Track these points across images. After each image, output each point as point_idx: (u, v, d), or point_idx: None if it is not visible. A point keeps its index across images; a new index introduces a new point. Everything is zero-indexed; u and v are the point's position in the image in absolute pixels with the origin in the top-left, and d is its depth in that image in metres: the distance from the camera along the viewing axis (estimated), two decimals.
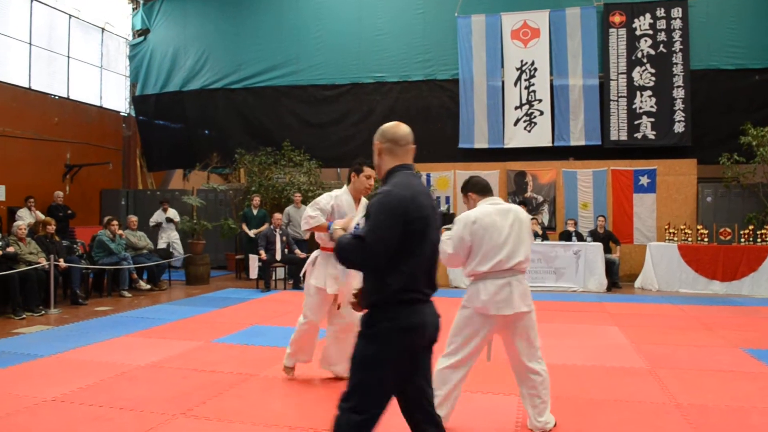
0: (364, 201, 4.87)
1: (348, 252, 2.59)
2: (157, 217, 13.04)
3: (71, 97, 14.60)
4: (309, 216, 4.78)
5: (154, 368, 5.57)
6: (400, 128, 2.86)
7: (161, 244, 12.96)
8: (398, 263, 2.57)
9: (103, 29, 15.78)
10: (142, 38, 16.30)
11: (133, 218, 11.51)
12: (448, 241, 3.92)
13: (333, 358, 5.09)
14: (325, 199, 4.86)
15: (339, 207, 4.82)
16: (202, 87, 15.62)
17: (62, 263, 9.10)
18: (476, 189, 4.12)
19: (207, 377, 5.28)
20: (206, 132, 15.90)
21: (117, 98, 16.41)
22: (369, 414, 2.67)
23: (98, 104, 15.58)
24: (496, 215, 3.90)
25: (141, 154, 16.59)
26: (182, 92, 15.82)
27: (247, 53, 15.36)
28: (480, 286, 3.88)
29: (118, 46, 16.45)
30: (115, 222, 10.54)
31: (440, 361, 3.92)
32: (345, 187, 4.99)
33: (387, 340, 2.60)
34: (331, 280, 4.85)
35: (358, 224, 3.96)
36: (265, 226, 12.12)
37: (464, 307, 3.99)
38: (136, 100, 16.32)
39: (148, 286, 10.90)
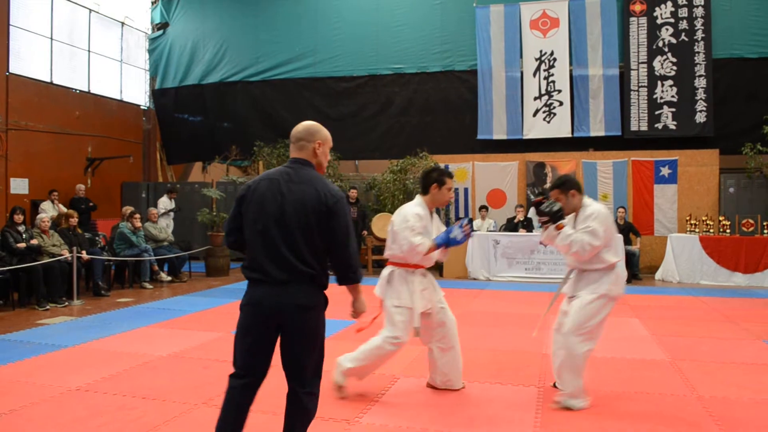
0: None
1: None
2: (166, 204, 13.16)
3: (92, 91, 14.76)
4: (416, 245, 4.36)
5: (176, 358, 5.63)
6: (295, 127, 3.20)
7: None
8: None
9: (122, 23, 15.91)
10: (161, 32, 16.41)
11: (154, 210, 11.63)
12: (594, 233, 4.22)
13: (447, 372, 4.70)
14: (418, 222, 4.45)
15: (426, 223, 4.54)
16: (221, 80, 15.70)
17: (85, 255, 9.21)
18: (579, 188, 4.45)
19: (228, 368, 5.25)
20: (225, 125, 15.99)
21: (137, 92, 16.55)
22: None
23: (119, 98, 15.73)
24: None
25: (161, 147, 16.74)
26: (201, 85, 15.91)
27: (265, 46, 15.40)
28: (616, 275, 4.36)
29: (137, 40, 16.57)
30: (137, 215, 10.65)
31: (582, 346, 4.29)
32: (419, 199, 4.63)
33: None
34: (418, 296, 4.51)
35: (463, 225, 4.33)
36: None
37: (603, 296, 4.32)
38: (156, 94, 16.45)
39: (169, 278, 11.01)
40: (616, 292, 4.37)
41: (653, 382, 4.93)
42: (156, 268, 10.88)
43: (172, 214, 13.11)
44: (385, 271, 4.62)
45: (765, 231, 10.82)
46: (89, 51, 14.73)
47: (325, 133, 3.22)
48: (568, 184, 4.43)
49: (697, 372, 5.19)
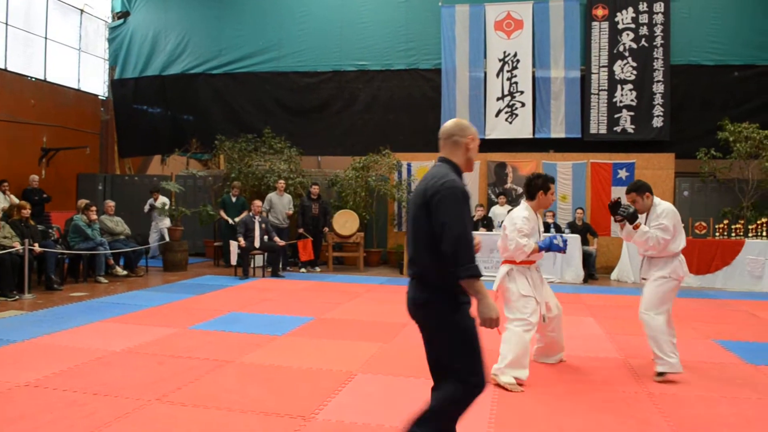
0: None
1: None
2: (149, 203, 13.16)
3: (48, 80, 14.37)
4: (522, 245, 4.93)
5: (130, 354, 5.53)
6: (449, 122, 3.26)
7: (153, 234, 12.98)
8: None
9: (82, 11, 15.53)
10: (121, 21, 16.06)
11: (110, 203, 11.39)
12: (665, 229, 5.08)
13: (555, 347, 5.48)
14: (526, 224, 5.02)
15: (533, 226, 5.11)
16: (183, 71, 15.45)
17: (37, 248, 8.99)
18: (651, 190, 5.28)
19: (183, 363, 5.25)
20: (186, 117, 15.73)
21: (95, 81, 16.18)
22: None
23: (76, 87, 15.36)
24: None
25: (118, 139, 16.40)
26: (162, 76, 15.63)
27: (228, 38, 15.21)
28: (679, 261, 5.25)
29: (97, 28, 16.20)
30: (93, 207, 10.42)
31: (657, 318, 5.05)
32: (524, 203, 5.22)
33: None
34: (540, 287, 5.15)
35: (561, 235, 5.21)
36: (245, 214, 12.07)
37: (670, 278, 5.14)
38: (115, 84, 16.10)
39: (125, 272, 10.80)
40: (678, 274, 5.18)
41: (606, 379, 5.03)
42: (111, 262, 10.66)
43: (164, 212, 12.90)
44: (504, 269, 5.13)
45: (717, 234, 11.13)
46: (46, 38, 14.34)
47: (474, 129, 3.24)
48: (643, 188, 5.21)
49: (648, 370, 5.30)
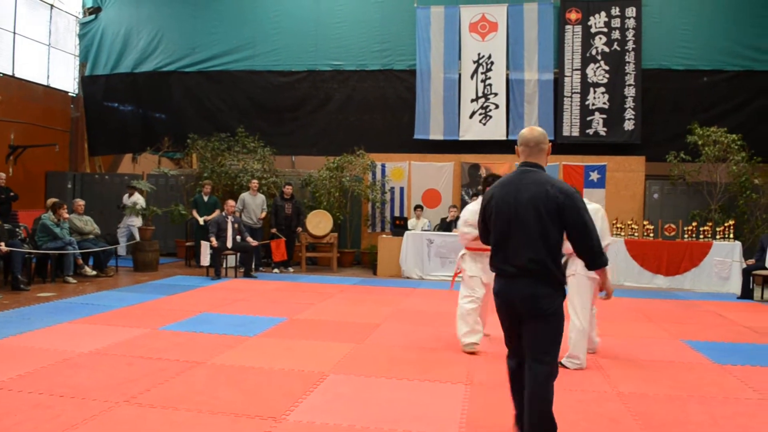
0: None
1: None
2: (124, 200, 12.96)
3: (17, 75, 14.07)
4: (464, 233, 5.91)
5: (98, 355, 5.44)
6: (536, 131, 3.59)
7: (121, 230, 12.80)
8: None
9: (52, 6, 15.24)
10: (93, 16, 15.80)
11: (80, 202, 11.20)
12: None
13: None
14: (472, 216, 5.55)
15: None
16: (155, 69, 15.25)
17: (3, 247, 8.81)
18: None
19: (152, 364, 5.18)
20: (158, 115, 15.53)
21: (65, 78, 15.89)
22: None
23: (45, 83, 15.07)
24: None
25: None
26: (134, 74, 15.41)
27: (202, 36, 15.05)
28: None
29: (67, 23, 15.91)
30: (64, 206, 10.24)
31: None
32: (479, 199, 5.43)
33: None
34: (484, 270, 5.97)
35: None
36: (216, 213, 11.97)
37: (589, 278, 5.56)
38: (86, 81, 15.83)
39: (94, 273, 10.63)
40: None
41: (576, 379, 5.08)
42: (80, 261, 10.48)
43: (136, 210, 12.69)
44: (460, 253, 6.20)
45: (686, 236, 11.31)
46: (14, 33, 14.04)
47: None
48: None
49: (618, 369, 5.38)
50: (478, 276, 6.02)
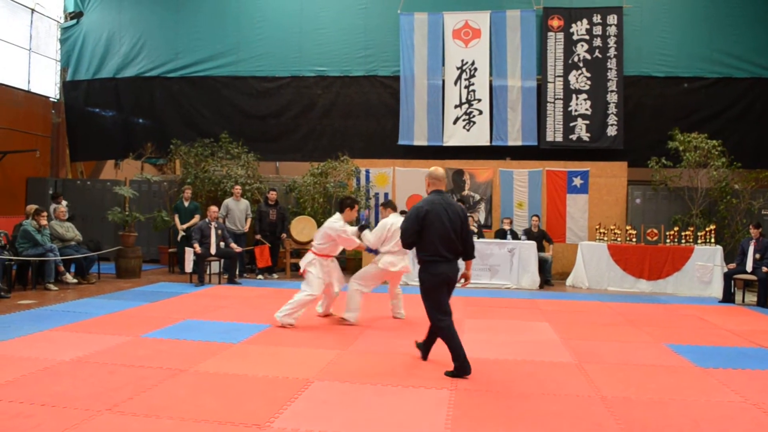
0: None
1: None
2: (54, 206, 12.37)
3: None
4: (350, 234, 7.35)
5: (79, 363, 5.38)
6: (440, 170, 5.67)
7: None
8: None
9: (33, 10, 15.10)
10: (74, 21, 15.67)
11: (62, 208, 11.08)
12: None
13: (331, 304, 8.03)
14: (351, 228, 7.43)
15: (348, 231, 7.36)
16: (138, 74, 15.15)
17: None
18: (394, 207, 8.00)
19: (135, 372, 5.13)
20: (141, 121, 15.42)
21: (46, 83, 15.74)
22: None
23: (26, 88, 14.91)
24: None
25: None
26: (116, 79, 15.30)
27: (185, 41, 14.99)
28: (392, 259, 7.49)
29: (48, 28, 15.77)
30: (44, 212, 10.12)
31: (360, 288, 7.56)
32: (338, 215, 7.44)
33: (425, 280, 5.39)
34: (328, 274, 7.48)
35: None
36: (195, 219, 11.89)
37: (376, 264, 7.57)
38: (67, 86, 15.69)
39: (75, 280, 10.51)
40: (385, 263, 7.46)
41: (560, 384, 5.09)
42: (62, 268, 10.35)
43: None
44: (309, 257, 7.41)
45: (668, 240, 11.41)
46: None
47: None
48: (387, 205, 7.92)
49: (601, 374, 5.41)
50: (322, 278, 7.30)
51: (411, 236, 5.30)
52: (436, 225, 5.21)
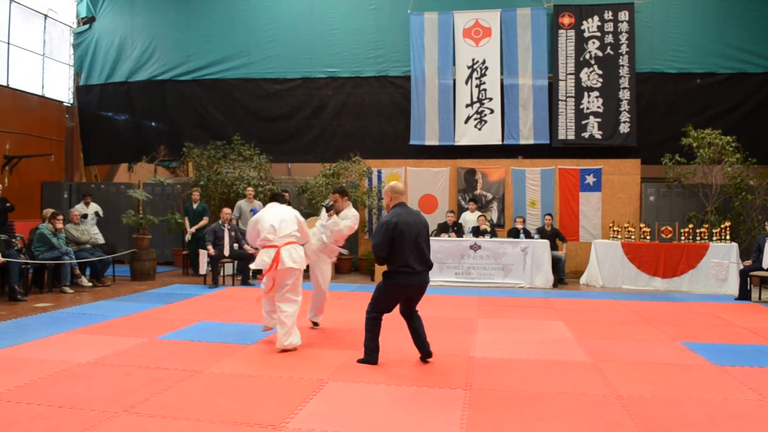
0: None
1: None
2: (80, 209, 12.56)
3: (11, 86, 14.06)
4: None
5: (96, 365, 5.43)
6: (400, 184, 5.80)
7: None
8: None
9: (45, 16, 15.25)
10: (87, 26, 15.81)
11: (76, 212, 11.18)
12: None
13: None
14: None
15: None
16: (150, 78, 15.26)
17: (0, 258, 8.76)
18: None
19: (151, 374, 5.17)
20: (153, 124, 15.53)
21: (60, 88, 15.88)
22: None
23: (40, 93, 15.06)
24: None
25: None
26: (129, 83, 15.43)
27: (196, 44, 15.07)
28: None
29: (61, 33, 15.92)
30: (60, 216, 10.21)
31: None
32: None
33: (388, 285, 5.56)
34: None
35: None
36: (204, 221, 11.94)
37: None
38: (80, 90, 15.83)
39: (91, 283, 10.60)
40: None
41: (575, 383, 5.07)
42: (77, 271, 10.45)
43: (94, 220, 12.57)
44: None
45: (682, 238, 11.33)
46: (8, 43, 14.04)
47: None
48: (342, 192, 6.89)
49: (617, 372, 5.38)
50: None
51: (383, 249, 5.37)
52: (406, 236, 5.34)
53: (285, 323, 6.07)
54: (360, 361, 5.59)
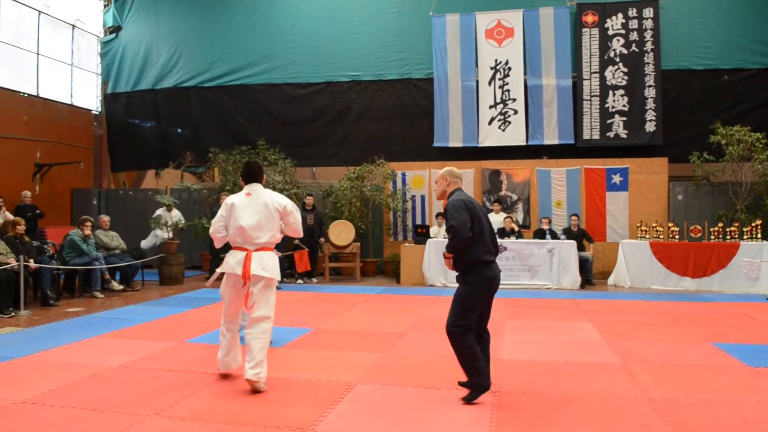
0: None
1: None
2: (162, 214, 12.65)
3: (41, 95, 14.34)
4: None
5: (127, 369, 5.50)
6: (456, 169, 5.14)
7: (148, 240, 12.68)
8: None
9: (73, 26, 15.53)
10: (113, 35, 16.09)
11: (105, 218, 11.35)
12: None
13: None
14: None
15: None
16: (176, 85, 15.47)
17: (32, 264, 8.94)
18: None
19: (181, 377, 5.23)
20: (179, 131, 15.75)
21: (88, 96, 16.15)
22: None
23: (69, 102, 15.34)
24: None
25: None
26: (155, 90, 15.65)
27: (220, 51, 15.24)
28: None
29: (89, 43, 16.20)
30: (88, 223, 10.38)
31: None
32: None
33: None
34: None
35: None
36: None
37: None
38: (108, 98, 16.10)
39: (121, 287, 10.76)
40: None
41: (605, 385, 5.02)
42: (107, 276, 10.62)
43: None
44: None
45: (712, 237, 11.15)
46: (38, 54, 14.32)
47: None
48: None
49: (647, 374, 5.31)
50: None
51: (469, 229, 4.49)
52: (482, 219, 4.65)
53: (251, 348, 4.83)
54: (463, 384, 4.64)
